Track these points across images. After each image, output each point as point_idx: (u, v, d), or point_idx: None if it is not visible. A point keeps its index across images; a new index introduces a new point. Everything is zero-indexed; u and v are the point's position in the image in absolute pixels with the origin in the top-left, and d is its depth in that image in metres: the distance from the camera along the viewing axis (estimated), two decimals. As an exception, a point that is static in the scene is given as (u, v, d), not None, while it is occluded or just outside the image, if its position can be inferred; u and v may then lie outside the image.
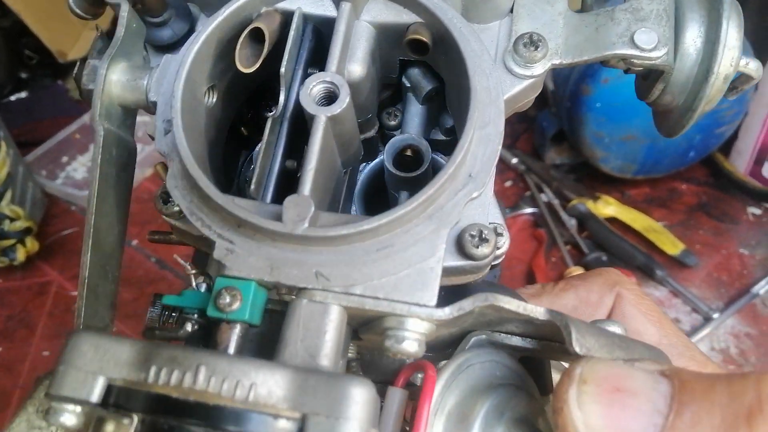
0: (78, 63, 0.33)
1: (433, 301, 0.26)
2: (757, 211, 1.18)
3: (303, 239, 0.26)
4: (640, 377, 0.22)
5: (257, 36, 0.29)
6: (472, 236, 0.28)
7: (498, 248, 0.30)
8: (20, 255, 1.08)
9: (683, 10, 0.33)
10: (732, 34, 0.32)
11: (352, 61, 0.30)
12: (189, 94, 0.29)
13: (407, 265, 0.26)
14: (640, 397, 0.21)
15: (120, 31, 0.31)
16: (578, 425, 0.21)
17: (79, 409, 0.23)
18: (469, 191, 0.28)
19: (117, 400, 0.22)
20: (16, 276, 1.15)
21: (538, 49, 0.31)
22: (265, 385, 0.22)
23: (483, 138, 0.29)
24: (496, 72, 0.30)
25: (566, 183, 1.20)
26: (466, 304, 0.26)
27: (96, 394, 0.22)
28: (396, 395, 0.27)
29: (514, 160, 1.28)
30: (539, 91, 0.33)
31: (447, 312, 0.25)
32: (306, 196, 0.26)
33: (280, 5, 0.31)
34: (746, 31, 1.16)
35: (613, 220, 1.13)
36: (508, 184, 1.27)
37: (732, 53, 0.32)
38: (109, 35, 0.33)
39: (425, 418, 0.25)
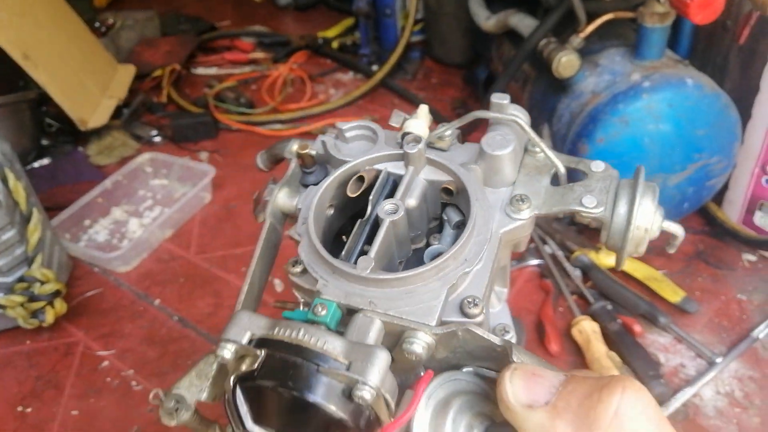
0: (255, 197, 0.54)
1: (434, 322, 0.40)
2: (752, 258, 1.24)
3: (364, 280, 0.42)
4: (548, 371, 0.36)
5: (360, 179, 0.49)
6: (469, 302, 0.42)
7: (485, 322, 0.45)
8: (49, 317, 1.13)
9: (618, 189, 0.48)
10: (642, 214, 0.46)
11: (409, 197, 0.48)
12: (319, 208, 0.48)
13: (421, 302, 0.41)
14: (546, 379, 0.35)
15: (289, 172, 0.53)
16: (508, 392, 0.35)
17: (233, 347, 0.39)
18: (463, 267, 0.43)
19: (254, 344, 0.39)
20: (43, 337, 1.19)
21: (524, 203, 0.47)
22: (333, 344, 0.38)
23: (477, 241, 0.45)
24: (488, 207, 0.47)
25: (569, 235, 1.26)
26: (452, 325, 0.40)
27: (245, 339, 0.39)
28: (409, 395, 0.40)
29: (518, 214, 1.34)
30: (529, 232, 0.49)
31: (440, 329, 0.40)
32: (370, 258, 0.43)
33: (375, 166, 0.50)
34: (727, 89, 1.25)
35: (615, 270, 1.19)
36: (513, 237, 1.33)
37: (641, 230, 0.46)
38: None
39: (420, 394, 0.39)
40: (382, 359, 0.37)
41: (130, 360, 1.13)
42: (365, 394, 0.36)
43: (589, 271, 1.18)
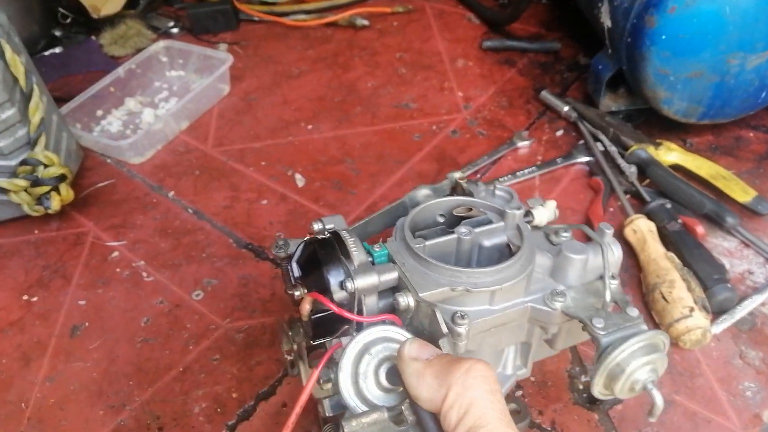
0: None
1: (420, 293, 0.55)
2: (835, 159, 1.09)
3: (410, 252, 0.58)
4: (435, 348, 0.47)
5: (469, 210, 0.67)
6: (461, 315, 0.53)
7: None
8: (55, 204, 1.05)
9: (633, 333, 0.54)
10: (625, 353, 0.52)
11: (487, 239, 0.62)
12: (427, 212, 0.66)
13: (427, 281, 0.55)
14: (432, 350, 0.47)
15: (438, 184, 0.75)
16: (405, 347, 0.47)
17: (319, 225, 0.62)
18: (466, 286, 0.55)
19: (330, 231, 0.61)
20: (51, 227, 1.12)
21: (560, 297, 0.57)
22: (359, 257, 0.57)
23: (495, 281, 0.56)
24: (524, 274, 0.57)
25: (623, 130, 1.12)
26: (429, 301, 0.54)
27: (328, 226, 0.62)
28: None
29: (566, 108, 1.20)
30: (555, 322, 0.58)
31: (419, 297, 0.54)
32: (424, 243, 0.59)
33: (486, 212, 0.65)
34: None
35: (676, 168, 1.05)
36: (559, 133, 1.20)
37: (618, 367, 0.52)
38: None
39: (355, 322, 0.56)
40: (371, 277, 0.54)
41: (141, 251, 1.06)
42: (348, 284, 0.54)
43: (646, 167, 1.04)
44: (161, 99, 1.38)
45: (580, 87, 1.30)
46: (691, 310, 0.81)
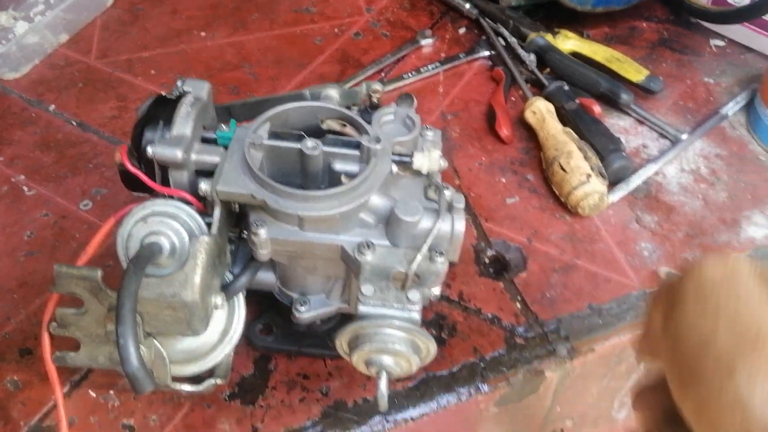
0: None
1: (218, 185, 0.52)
2: (720, 43, 1.13)
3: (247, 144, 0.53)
4: None
5: (343, 125, 0.59)
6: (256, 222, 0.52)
7: None
8: None
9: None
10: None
11: (339, 162, 0.57)
12: (298, 113, 0.59)
13: (240, 185, 0.52)
14: None
15: (348, 90, 0.64)
16: None
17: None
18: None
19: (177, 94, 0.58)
20: None
21: (365, 249, 0.52)
22: (185, 128, 0.53)
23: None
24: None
25: (523, 21, 1.12)
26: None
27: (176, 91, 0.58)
28: None
29: (467, 6, 1.18)
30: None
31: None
32: (262, 142, 0.54)
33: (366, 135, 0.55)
34: None
35: (574, 55, 1.06)
36: (462, 31, 1.18)
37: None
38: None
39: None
40: (174, 151, 0.52)
41: (20, 166, 0.98)
42: (148, 149, 0.52)
43: (544, 54, 1.05)
44: (37, 13, 1.25)
45: (481, -12, 1.28)
46: (588, 176, 0.83)
